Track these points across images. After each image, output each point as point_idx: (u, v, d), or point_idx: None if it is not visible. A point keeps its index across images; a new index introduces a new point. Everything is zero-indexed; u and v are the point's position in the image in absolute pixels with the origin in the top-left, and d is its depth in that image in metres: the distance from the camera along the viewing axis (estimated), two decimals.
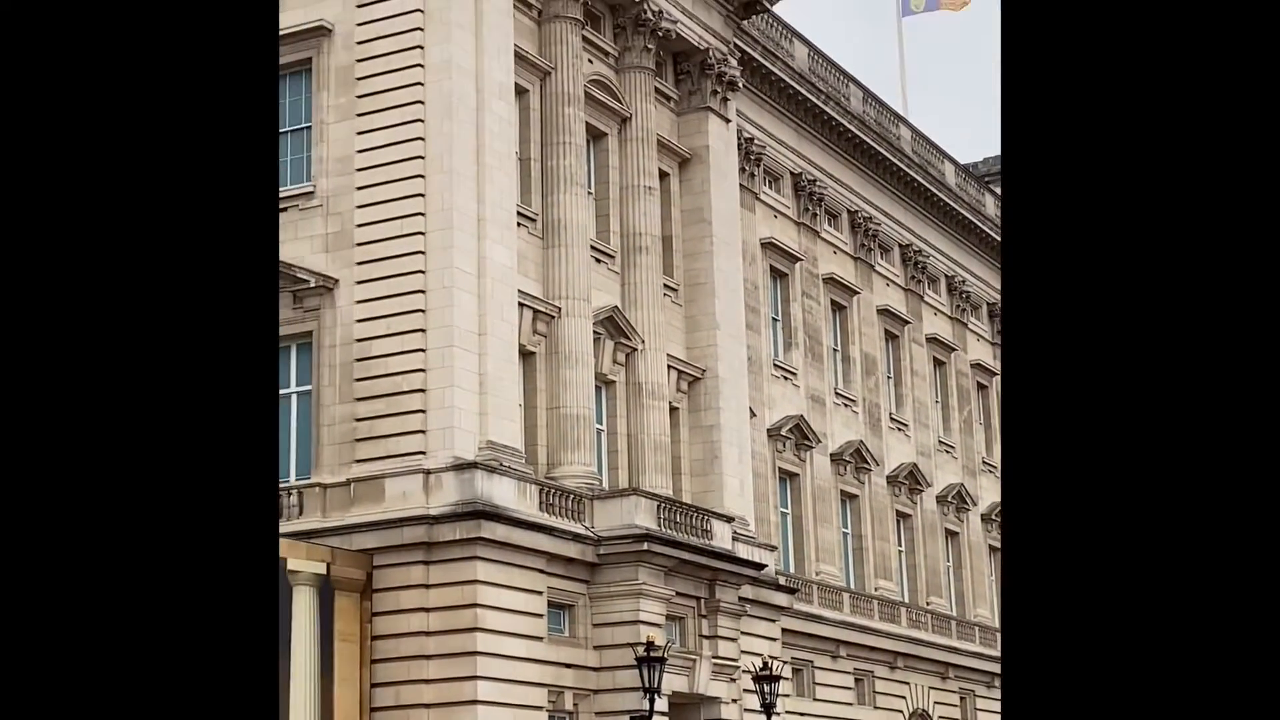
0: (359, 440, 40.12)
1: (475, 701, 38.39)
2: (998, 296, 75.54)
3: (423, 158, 40.91)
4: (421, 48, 41.56)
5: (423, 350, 39.85)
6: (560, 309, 43.89)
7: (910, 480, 65.70)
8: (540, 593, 40.72)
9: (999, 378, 75.08)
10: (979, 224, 74.53)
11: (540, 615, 40.65)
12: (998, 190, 78.90)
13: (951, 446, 70.56)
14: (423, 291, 40.13)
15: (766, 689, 45.75)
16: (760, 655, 47.06)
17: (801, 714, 54.84)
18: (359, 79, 41.98)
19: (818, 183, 62.58)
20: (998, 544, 71.02)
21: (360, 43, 42.18)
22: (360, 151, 41.58)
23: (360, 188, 41.35)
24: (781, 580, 52.59)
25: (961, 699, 66.04)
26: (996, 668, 64.41)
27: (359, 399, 40.27)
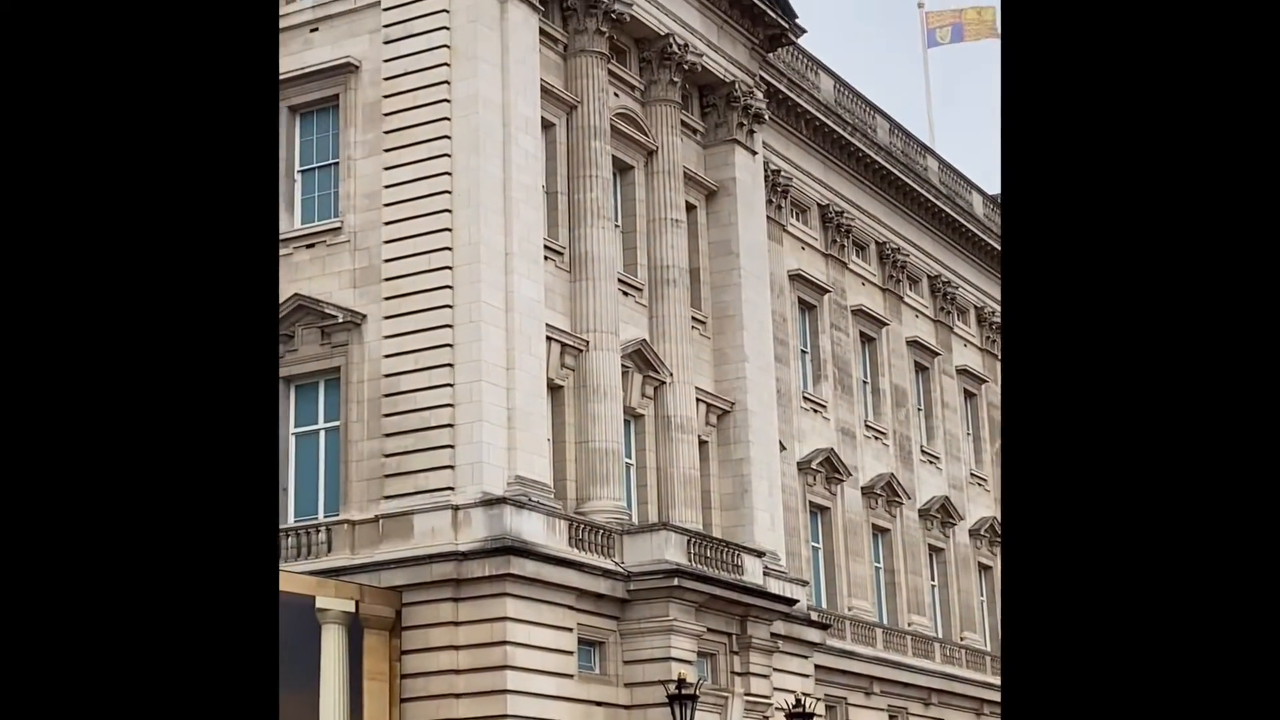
0: (387, 476, 39.96)
1: None
2: None
3: (450, 192, 40.86)
4: (448, 83, 41.56)
5: (451, 385, 39.72)
6: (588, 342, 43.73)
7: (943, 514, 65.33)
8: (570, 629, 40.46)
9: None
10: None
11: (570, 652, 40.37)
12: None
13: (984, 479, 70.17)
14: (450, 326, 40.03)
15: None
16: (793, 692, 46.69)
17: None
18: (386, 115, 41.98)
19: (845, 214, 62.41)
20: None
21: (387, 79, 42.20)
22: (388, 187, 41.55)
23: (388, 223, 41.31)
24: (814, 616, 52.23)
25: None
26: None
27: (387, 435, 40.12)
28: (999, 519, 69.39)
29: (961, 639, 65.23)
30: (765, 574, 47.10)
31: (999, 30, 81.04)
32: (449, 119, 41.38)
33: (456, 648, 38.58)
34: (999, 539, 69.23)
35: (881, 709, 58.43)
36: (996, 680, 64.55)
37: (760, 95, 53.58)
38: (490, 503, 38.93)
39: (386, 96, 42.13)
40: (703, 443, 48.63)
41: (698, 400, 48.09)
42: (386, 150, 41.80)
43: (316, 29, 43.54)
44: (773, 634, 47.11)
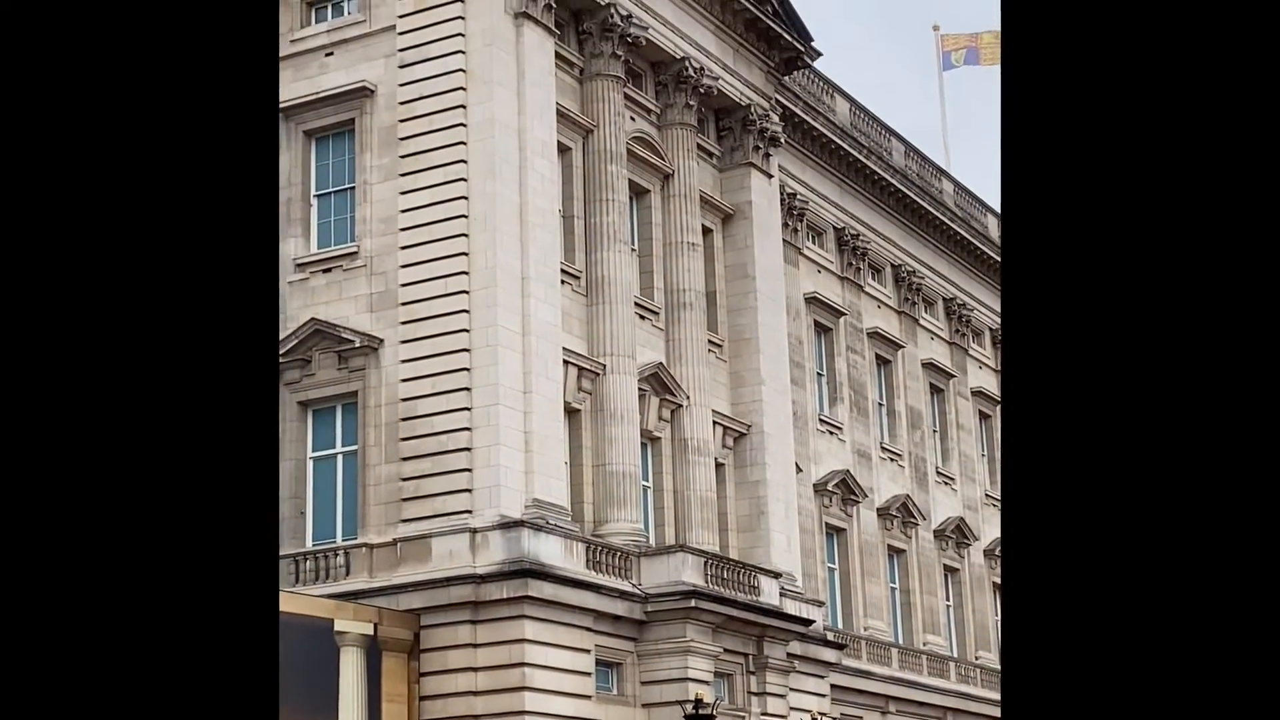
0: (405, 500, 40.10)
1: None
2: None
3: (466, 217, 41.00)
4: (464, 107, 41.71)
5: (468, 409, 39.85)
6: (605, 366, 43.87)
7: (957, 534, 65.43)
8: (588, 651, 40.58)
9: None
10: None
11: (588, 674, 40.50)
12: None
13: (998, 500, 70.20)
14: (467, 350, 40.17)
15: None
16: (809, 712, 46.79)
17: None
18: (402, 139, 42.14)
19: (861, 237, 62.56)
20: None
21: (403, 103, 42.35)
22: (404, 211, 41.69)
23: (404, 247, 41.45)
24: (829, 636, 52.32)
25: None
26: None
27: (405, 459, 40.27)
28: None
29: (976, 658, 65.28)
30: (781, 595, 47.21)
31: None
32: (465, 143, 41.52)
33: (475, 669, 38.72)
34: None
35: None
36: None
37: (776, 118, 53.74)
38: (508, 525, 39.07)
39: (402, 121, 42.28)
40: (719, 465, 48.75)
41: (714, 423, 48.21)
42: (402, 175, 41.96)
43: (332, 53, 43.72)
44: (789, 654, 47.21)
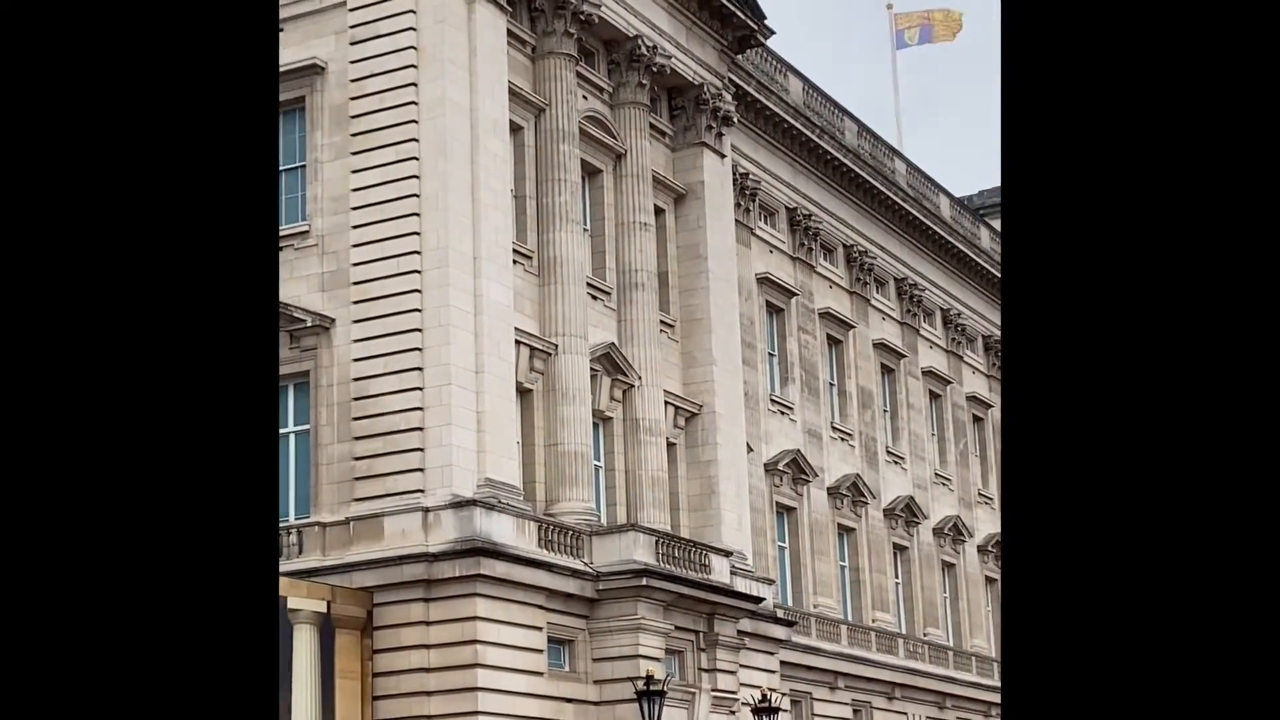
0: (357, 479, 40.14)
1: None
2: (993, 329, 75.71)
3: (418, 196, 40.95)
4: (415, 85, 41.63)
5: (420, 389, 39.88)
6: (557, 346, 43.94)
7: (907, 513, 65.76)
8: (540, 628, 40.73)
9: (995, 410, 75.28)
10: (974, 257, 74.72)
11: (540, 651, 40.65)
12: (993, 223, 79.20)
13: (948, 479, 70.62)
14: (419, 330, 40.18)
15: None
16: (759, 688, 47.06)
17: None
18: (353, 117, 42.05)
19: (813, 217, 62.72)
20: (994, 575, 71.23)
21: (354, 80, 42.25)
22: (355, 190, 41.62)
23: (356, 226, 41.39)
24: (779, 613, 52.60)
25: None
26: (993, 697, 64.56)
27: (357, 438, 40.29)
28: (962, 518, 69.91)
29: (924, 635, 65.68)
30: (732, 573, 47.43)
31: (961, 32, 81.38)
32: (416, 122, 41.44)
33: (428, 647, 38.82)
34: (962, 538, 69.79)
35: (846, 703, 58.85)
36: (958, 675, 65.17)
37: (729, 98, 53.78)
38: (460, 505, 39.16)
39: (353, 99, 42.17)
40: (671, 445, 48.90)
41: (666, 403, 48.35)
42: (354, 153, 41.86)
43: (282, 29, 43.52)
44: (739, 631, 47.45)
